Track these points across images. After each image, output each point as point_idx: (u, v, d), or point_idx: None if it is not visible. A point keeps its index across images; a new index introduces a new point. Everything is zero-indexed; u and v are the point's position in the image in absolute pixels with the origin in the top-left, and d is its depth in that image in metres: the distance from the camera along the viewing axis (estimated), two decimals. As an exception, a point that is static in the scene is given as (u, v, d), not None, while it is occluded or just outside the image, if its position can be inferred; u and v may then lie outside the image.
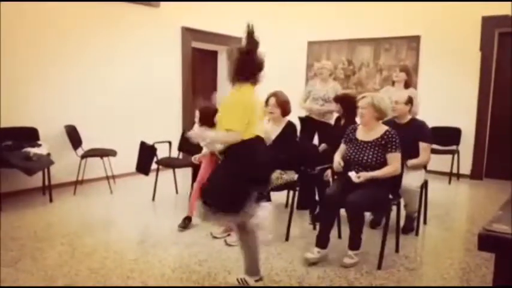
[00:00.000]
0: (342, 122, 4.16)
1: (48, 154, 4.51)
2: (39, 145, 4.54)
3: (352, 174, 3.06)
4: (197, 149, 4.31)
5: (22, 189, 4.62)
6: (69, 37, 4.95)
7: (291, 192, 3.71)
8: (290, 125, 3.72)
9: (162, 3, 5.92)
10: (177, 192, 4.99)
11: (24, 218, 3.98)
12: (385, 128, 3.16)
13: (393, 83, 4.68)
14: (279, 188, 3.67)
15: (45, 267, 2.95)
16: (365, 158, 3.11)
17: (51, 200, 4.49)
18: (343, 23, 6.89)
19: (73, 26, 4.97)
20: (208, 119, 3.42)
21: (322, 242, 3.11)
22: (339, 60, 6.92)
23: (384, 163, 3.08)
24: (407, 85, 4.58)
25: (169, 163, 4.91)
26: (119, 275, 2.87)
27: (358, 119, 3.39)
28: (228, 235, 3.53)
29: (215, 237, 3.54)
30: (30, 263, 3.00)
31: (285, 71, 7.18)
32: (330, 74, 4.94)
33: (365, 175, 3.02)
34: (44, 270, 2.89)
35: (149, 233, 3.87)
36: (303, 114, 4.99)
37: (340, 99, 4.16)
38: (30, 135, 4.62)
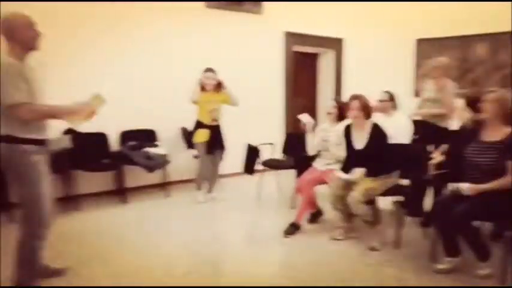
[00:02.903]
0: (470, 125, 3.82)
1: (165, 154, 4.95)
2: (157, 145, 5.01)
3: (464, 186, 2.84)
4: (301, 151, 4.36)
5: (144, 185, 5.14)
6: (179, 45, 5.38)
7: (401, 198, 3.58)
8: (376, 128, 3.54)
9: (265, 9, 6.11)
10: (280, 193, 5.11)
11: (145, 209, 4.43)
12: (510, 129, 2.85)
13: None
14: (385, 193, 3.57)
15: (167, 252, 3.25)
16: (484, 160, 2.85)
17: (168, 196, 4.93)
18: (456, 18, 6.41)
19: (180, 34, 5.39)
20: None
21: (449, 250, 2.97)
22: (451, 58, 6.45)
23: (500, 170, 2.78)
24: None
25: (273, 164, 5.05)
26: (231, 266, 3.06)
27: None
28: (349, 238, 3.54)
29: (336, 239, 3.55)
30: (151, 246, 3.34)
31: (388, 70, 6.91)
32: (444, 73, 4.59)
33: (475, 188, 2.78)
34: (165, 256, 3.19)
35: (255, 230, 4.04)
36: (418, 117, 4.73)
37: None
38: (150, 137, 5.13)
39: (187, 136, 5.05)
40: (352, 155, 3.59)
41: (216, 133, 4.69)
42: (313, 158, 4.25)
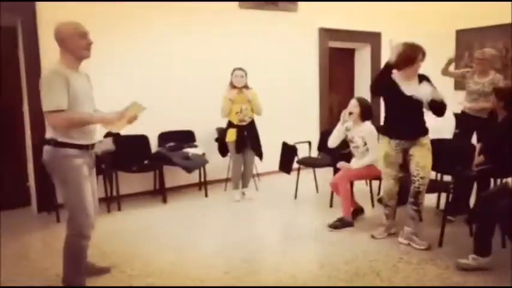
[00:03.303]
0: (500, 118, 3.69)
1: (203, 154, 5.03)
2: (196, 146, 5.10)
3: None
4: (336, 150, 4.31)
5: (183, 185, 5.25)
6: (216, 46, 5.44)
7: (444, 195, 3.46)
8: (424, 77, 3.27)
9: (299, 7, 6.07)
10: (317, 191, 5.07)
11: (184, 209, 4.52)
12: None
13: None
14: (427, 190, 3.45)
15: (206, 251, 3.31)
16: None
17: (206, 195, 5.01)
18: (496, 7, 6.10)
19: (216, 35, 5.44)
20: None
21: (478, 248, 2.84)
22: (495, 48, 6.15)
23: None
24: None
25: (309, 162, 5.02)
26: (270, 265, 3.07)
27: None
28: (389, 235, 3.50)
29: (374, 238, 3.51)
30: (191, 244, 3.40)
31: (427, 63, 6.68)
32: (490, 64, 4.39)
33: None
34: (203, 255, 3.24)
35: (293, 229, 4.02)
36: (458, 110, 4.56)
37: (503, 95, 3.66)
38: (188, 137, 5.23)
39: (220, 136, 5.06)
40: (403, 103, 3.22)
41: (245, 132, 4.69)
42: (350, 155, 4.20)
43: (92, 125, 2.62)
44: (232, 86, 4.67)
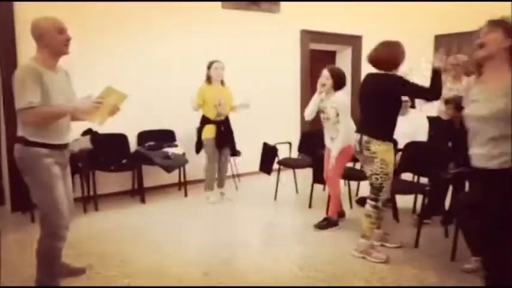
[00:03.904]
0: (456, 124, 3.79)
1: (183, 154, 4.98)
2: (176, 145, 5.05)
3: None
4: (317, 150, 4.33)
5: (162, 185, 5.20)
6: (196, 45, 5.41)
7: (420, 197, 3.53)
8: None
9: (281, 8, 6.10)
10: (297, 191, 5.10)
11: (163, 209, 4.48)
12: None
13: None
14: (404, 191, 3.51)
15: (186, 252, 3.28)
16: None
17: (186, 195, 4.97)
18: (475, 12, 6.26)
19: (197, 35, 5.41)
20: None
21: (474, 249, 2.82)
22: (471, 53, 6.30)
23: None
24: None
25: (289, 163, 5.04)
26: (250, 266, 3.06)
27: None
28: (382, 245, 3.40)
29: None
30: (170, 245, 3.37)
31: (407, 67, 6.80)
32: (463, 70, 4.50)
33: None
34: (183, 256, 3.22)
35: (273, 229, 4.03)
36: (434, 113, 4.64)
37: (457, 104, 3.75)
38: (168, 137, 5.18)
39: (197, 134, 4.96)
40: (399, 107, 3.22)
41: (223, 129, 4.61)
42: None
43: (65, 123, 2.54)
44: (209, 81, 4.57)
